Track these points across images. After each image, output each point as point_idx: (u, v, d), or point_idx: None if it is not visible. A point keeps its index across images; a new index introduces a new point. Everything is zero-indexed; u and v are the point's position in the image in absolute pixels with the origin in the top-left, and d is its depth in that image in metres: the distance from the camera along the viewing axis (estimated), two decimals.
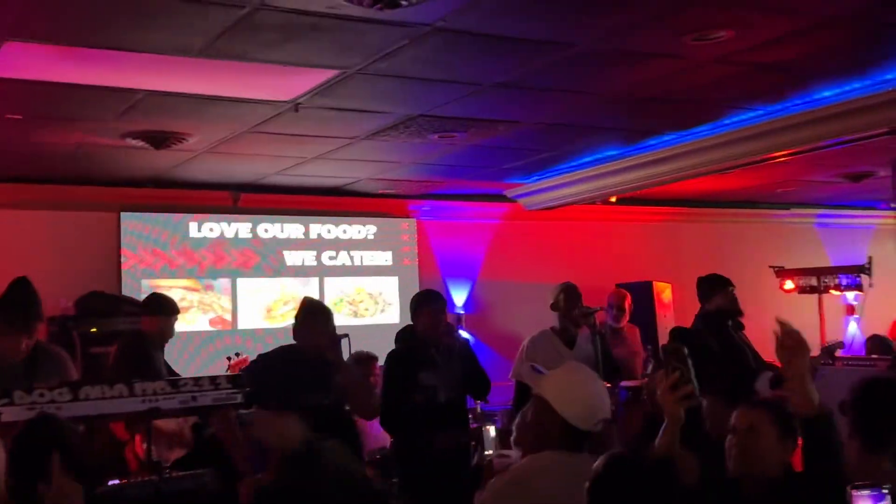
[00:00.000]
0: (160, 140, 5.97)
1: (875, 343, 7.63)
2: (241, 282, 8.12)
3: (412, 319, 5.22)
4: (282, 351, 4.78)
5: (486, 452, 5.79)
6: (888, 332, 7.92)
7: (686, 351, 2.78)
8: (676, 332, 5.34)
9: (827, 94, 5.79)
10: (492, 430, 5.88)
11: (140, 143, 6.01)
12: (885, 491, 2.64)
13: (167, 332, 5.18)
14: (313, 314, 4.71)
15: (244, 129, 5.92)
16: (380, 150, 6.68)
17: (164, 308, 5.25)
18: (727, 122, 6.45)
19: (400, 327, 5.34)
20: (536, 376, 3.06)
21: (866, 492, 2.69)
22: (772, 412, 2.81)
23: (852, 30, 4.61)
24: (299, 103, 5.32)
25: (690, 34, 4.45)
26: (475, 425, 5.94)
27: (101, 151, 6.35)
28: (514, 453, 3.12)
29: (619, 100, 5.72)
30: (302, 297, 5.07)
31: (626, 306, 7.23)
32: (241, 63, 4.53)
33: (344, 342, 4.59)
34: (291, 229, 8.35)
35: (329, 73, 4.80)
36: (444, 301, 5.25)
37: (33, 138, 5.93)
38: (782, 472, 2.75)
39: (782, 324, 2.62)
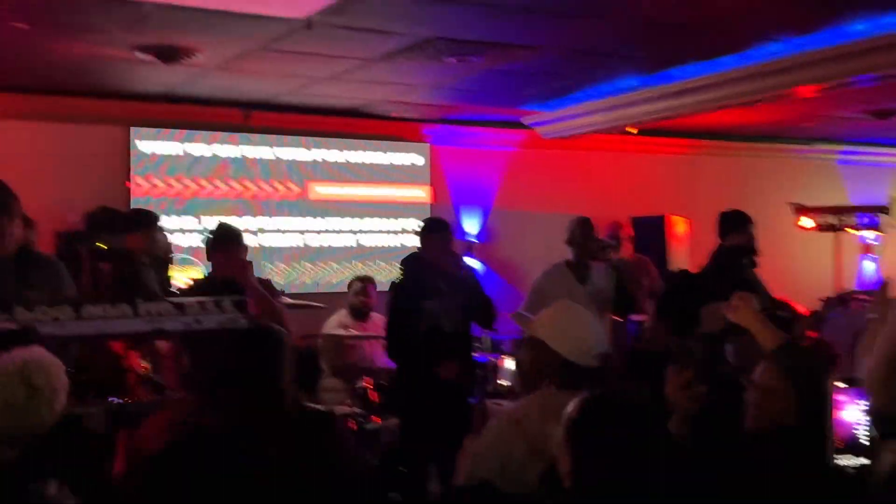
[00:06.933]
0: (169, 54, 5.84)
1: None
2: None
3: (420, 247, 5.22)
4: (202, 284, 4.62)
5: (501, 382, 5.81)
6: None
7: (695, 350, 2.73)
8: (678, 276, 5.32)
9: (859, 27, 5.58)
10: (508, 362, 5.87)
11: (149, 58, 5.89)
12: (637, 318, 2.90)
13: (156, 246, 4.83)
14: (227, 241, 4.53)
15: (255, 47, 5.77)
16: (395, 72, 6.51)
17: (142, 221, 4.89)
18: (752, 52, 6.23)
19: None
20: (527, 319, 3.02)
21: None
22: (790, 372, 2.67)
23: None
24: (312, 21, 5.16)
25: None
26: (483, 357, 5.93)
27: (110, 65, 6.22)
28: (508, 403, 3.12)
29: (642, 25, 5.53)
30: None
31: (623, 237, 7.20)
32: None
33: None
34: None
35: None
36: (450, 230, 5.26)
37: (40, 49, 5.79)
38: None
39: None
